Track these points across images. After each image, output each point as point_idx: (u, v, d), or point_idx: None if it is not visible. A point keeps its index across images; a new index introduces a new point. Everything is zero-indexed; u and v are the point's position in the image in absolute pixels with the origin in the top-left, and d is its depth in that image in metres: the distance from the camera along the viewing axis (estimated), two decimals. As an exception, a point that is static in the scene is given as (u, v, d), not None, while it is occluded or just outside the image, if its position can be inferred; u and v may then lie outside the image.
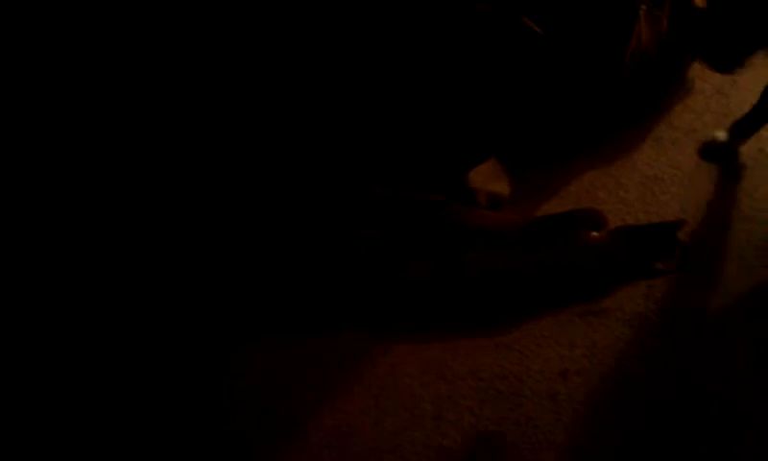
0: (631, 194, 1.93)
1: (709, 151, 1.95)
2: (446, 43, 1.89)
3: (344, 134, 1.88)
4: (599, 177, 1.98)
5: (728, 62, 1.70)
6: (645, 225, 1.84)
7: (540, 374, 1.62)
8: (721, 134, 1.94)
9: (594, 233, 1.78)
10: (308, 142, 1.87)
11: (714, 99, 2.00)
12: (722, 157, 1.94)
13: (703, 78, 2.12)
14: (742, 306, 1.66)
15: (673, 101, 2.10)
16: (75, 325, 1.77)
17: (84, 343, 1.74)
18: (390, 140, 1.90)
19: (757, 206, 1.84)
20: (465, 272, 1.74)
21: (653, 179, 1.95)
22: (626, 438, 1.50)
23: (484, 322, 1.72)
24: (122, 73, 1.86)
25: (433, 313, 1.74)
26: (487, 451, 1.53)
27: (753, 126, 1.90)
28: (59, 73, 1.84)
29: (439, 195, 1.85)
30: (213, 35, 1.83)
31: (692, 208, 1.86)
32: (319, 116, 1.87)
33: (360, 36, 1.86)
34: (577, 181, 1.98)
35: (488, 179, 1.97)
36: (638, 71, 2.00)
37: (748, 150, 1.93)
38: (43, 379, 1.70)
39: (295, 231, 1.80)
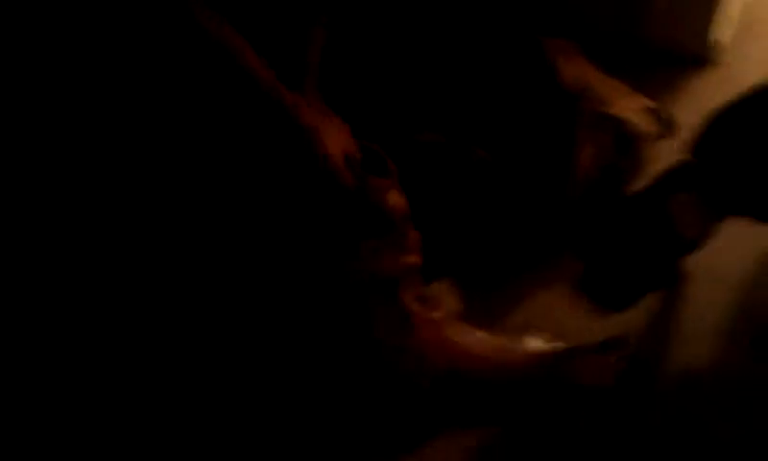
0: (578, 320, 1.94)
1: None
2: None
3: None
4: (545, 302, 1.99)
5: (617, 302, 1.71)
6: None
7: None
8: None
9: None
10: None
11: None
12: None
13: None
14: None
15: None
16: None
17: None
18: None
19: (699, 326, 1.89)
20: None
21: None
22: None
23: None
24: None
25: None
26: None
27: None
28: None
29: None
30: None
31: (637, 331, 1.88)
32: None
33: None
34: (522, 308, 1.98)
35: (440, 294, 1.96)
36: (582, 194, 2.03)
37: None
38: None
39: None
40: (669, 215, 1.59)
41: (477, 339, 1.80)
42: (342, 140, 1.67)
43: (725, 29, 2.46)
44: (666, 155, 2.14)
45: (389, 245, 1.69)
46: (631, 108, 2.03)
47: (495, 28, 2.15)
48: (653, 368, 1.83)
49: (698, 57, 2.47)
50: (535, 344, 1.82)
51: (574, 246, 1.81)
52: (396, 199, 1.69)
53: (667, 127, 2.10)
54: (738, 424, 1.74)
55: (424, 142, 1.96)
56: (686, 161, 1.65)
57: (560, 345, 1.80)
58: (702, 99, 2.29)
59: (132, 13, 1.56)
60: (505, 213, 2.00)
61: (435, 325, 1.77)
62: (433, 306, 1.81)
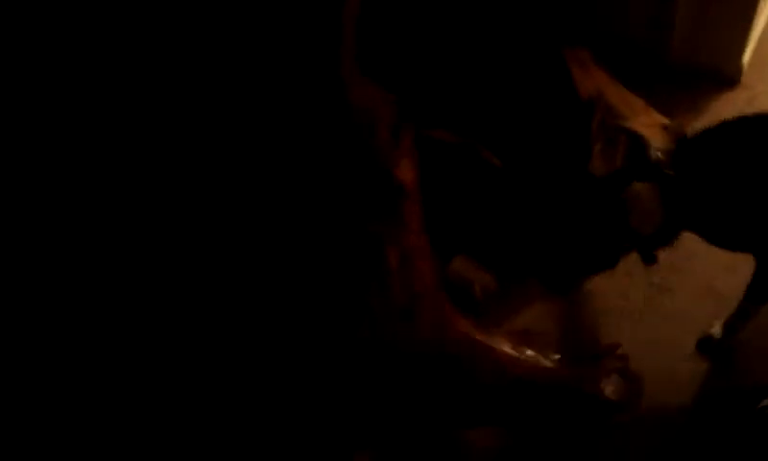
0: (583, 324, 1.96)
1: (706, 345, 1.91)
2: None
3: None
4: (553, 307, 2.01)
5: (564, 286, 1.72)
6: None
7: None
8: (716, 330, 1.89)
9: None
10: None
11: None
12: (717, 353, 1.89)
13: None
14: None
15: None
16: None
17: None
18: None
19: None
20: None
21: (604, 311, 1.98)
22: None
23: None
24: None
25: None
26: None
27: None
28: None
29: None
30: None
31: (641, 344, 1.91)
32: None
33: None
34: (530, 309, 2.01)
35: (473, 269, 2.00)
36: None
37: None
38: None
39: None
40: (624, 202, 1.59)
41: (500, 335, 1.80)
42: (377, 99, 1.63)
43: (748, 52, 2.47)
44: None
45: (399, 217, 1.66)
46: (644, 122, 2.03)
47: (519, 33, 2.17)
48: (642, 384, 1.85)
49: (726, 78, 2.47)
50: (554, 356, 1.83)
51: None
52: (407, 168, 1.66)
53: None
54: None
55: (436, 139, 1.99)
56: (657, 158, 1.66)
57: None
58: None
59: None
60: (510, 220, 2.02)
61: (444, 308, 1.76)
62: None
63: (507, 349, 1.75)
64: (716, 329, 1.87)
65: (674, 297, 1.98)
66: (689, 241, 1.75)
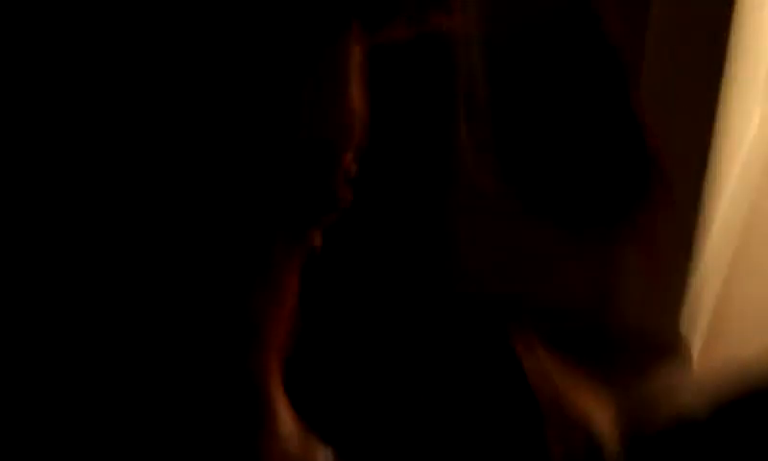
0: None
1: None
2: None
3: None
4: None
5: None
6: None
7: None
8: None
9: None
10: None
11: None
12: None
13: None
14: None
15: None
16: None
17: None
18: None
19: None
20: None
21: None
22: None
23: None
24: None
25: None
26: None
27: None
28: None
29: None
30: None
31: None
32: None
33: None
34: None
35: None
36: None
37: None
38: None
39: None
40: None
41: None
42: None
43: (694, 323, 2.51)
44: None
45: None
46: (591, 406, 2.01)
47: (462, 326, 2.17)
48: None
49: (665, 349, 2.49)
50: None
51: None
52: None
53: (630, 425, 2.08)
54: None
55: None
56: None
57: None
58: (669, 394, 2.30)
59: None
60: None
61: None
62: None
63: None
64: None
65: None
66: None
